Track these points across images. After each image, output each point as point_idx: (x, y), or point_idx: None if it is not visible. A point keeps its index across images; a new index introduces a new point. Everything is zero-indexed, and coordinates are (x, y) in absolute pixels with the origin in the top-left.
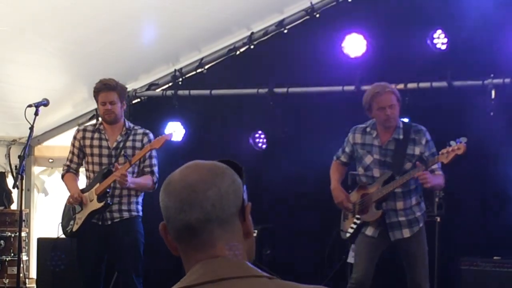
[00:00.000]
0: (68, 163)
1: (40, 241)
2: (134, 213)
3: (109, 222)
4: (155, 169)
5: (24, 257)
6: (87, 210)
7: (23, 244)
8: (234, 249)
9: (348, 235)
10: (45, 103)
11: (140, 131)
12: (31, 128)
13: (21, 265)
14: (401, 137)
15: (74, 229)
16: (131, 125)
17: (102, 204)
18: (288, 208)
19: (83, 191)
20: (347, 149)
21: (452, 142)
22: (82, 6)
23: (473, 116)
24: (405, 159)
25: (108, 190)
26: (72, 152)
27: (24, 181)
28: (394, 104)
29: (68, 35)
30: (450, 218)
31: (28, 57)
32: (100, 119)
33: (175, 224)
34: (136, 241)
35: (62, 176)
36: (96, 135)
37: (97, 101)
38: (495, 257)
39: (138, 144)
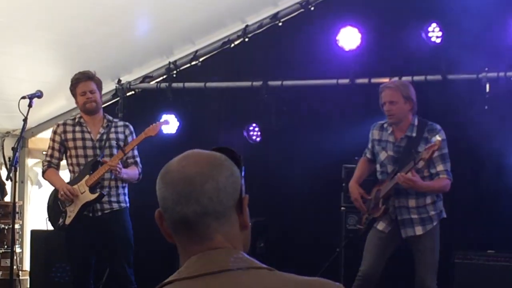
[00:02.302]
0: (48, 158)
1: (34, 233)
2: (123, 205)
3: (100, 214)
4: (138, 159)
5: (18, 249)
6: (80, 202)
7: (17, 236)
8: (232, 241)
9: (361, 228)
10: (39, 95)
11: (120, 123)
12: (25, 120)
13: (15, 257)
14: (414, 134)
15: (67, 222)
16: (111, 117)
17: (96, 195)
18: (282, 201)
19: (70, 184)
20: (369, 145)
21: (433, 139)
22: None
23: (467, 109)
24: (413, 156)
25: (99, 181)
26: (52, 148)
27: (17, 173)
28: (395, 100)
29: (62, 27)
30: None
31: (21, 49)
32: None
33: (172, 215)
34: (127, 231)
35: (43, 173)
36: (78, 128)
37: (75, 95)
38: (488, 251)
39: (121, 136)
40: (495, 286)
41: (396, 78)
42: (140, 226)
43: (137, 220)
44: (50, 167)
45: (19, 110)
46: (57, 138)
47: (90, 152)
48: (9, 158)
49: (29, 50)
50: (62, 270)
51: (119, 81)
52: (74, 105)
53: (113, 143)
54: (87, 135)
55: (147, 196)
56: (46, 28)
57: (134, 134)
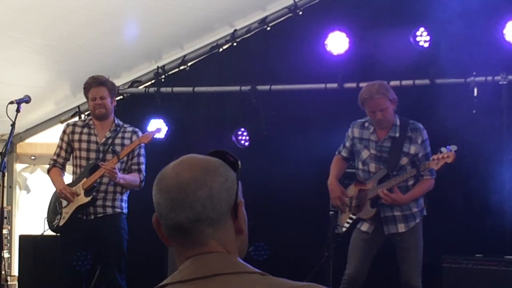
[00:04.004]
0: (55, 157)
1: (22, 238)
2: (118, 210)
3: (92, 217)
4: (143, 167)
5: (6, 255)
6: (74, 205)
7: (5, 241)
8: (226, 246)
9: (344, 229)
10: (27, 99)
11: (130, 129)
12: (13, 125)
13: (3, 263)
14: (397, 135)
15: (60, 224)
16: (121, 122)
17: (89, 198)
18: (270, 206)
19: (69, 185)
20: (347, 144)
21: (443, 149)
22: (64, 2)
23: (455, 114)
24: (401, 156)
25: (95, 185)
26: (60, 147)
27: (6, 178)
28: (386, 107)
29: (49, 32)
30: (433, 216)
31: (9, 53)
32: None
33: (166, 222)
34: (120, 237)
35: (48, 170)
36: (86, 130)
37: (87, 98)
38: (477, 255)
39: (127, 142)
40: None
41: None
42: (137, 231)
43: (137, 225)
44: (54, 166)
45: (7, 115)
46: (65, 138)
47: (93, 155)
48: None
49: (17, 55)
50: (50, 274)
51: None
52: (63, 110)
53: (117, 148)
54: (93, 138)
55: (136, 201)
56: (34, 33)
57: None
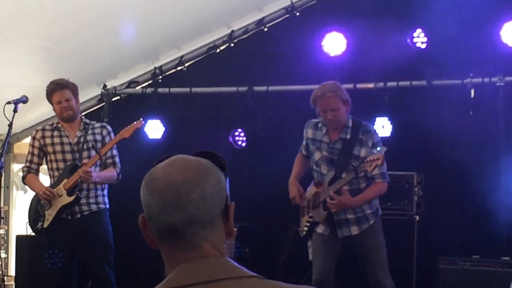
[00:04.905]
0: (28, 164)
1: (19, 238)
2: (102, 206)
3: (79, 216)
4: (117, 159)
5: (3, 255)
6: (57, 206)
7: (2, 241)
8: (219, 248)
9: (304, 233)
10: (24, 100)
11: (97, 124)
12: (10, 125)
13: (0, 263)
14: (348, 136)
15: (45, 226)
16: (87, 120)
17: (72, 198)
18: (267, 206)
19: (51, 187)
20: (304, 143)
21: (375, 151)
22: (61, 2)
23: (452, 115)
24: (350, 159)
25: (77, 184)
26: (32, 153)
27: (3, 179)
28: (338, 107)
29: (46, 32)
30: (429, 217)
31: (6, 54)
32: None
33: (157, 223)
34: (107, 233)
35: (23, 178)
36: (56, 133)
37: (51, 103)
38: (473, 256)
39: (98, 137)
40: None
41: (380, 84)
42: (123, 229)
43: (121, 223)
44: (29, 172)
45: (4, 115)
46: (36, 143)
47: (68, 156)
48: None
49: (14, 55)
50: (46, 274)
51: (105, 86)
52: None
53: (90, 145)
54: (65, 139)
55: (130, 201)
56: (31, 33)
57: (112, 134)
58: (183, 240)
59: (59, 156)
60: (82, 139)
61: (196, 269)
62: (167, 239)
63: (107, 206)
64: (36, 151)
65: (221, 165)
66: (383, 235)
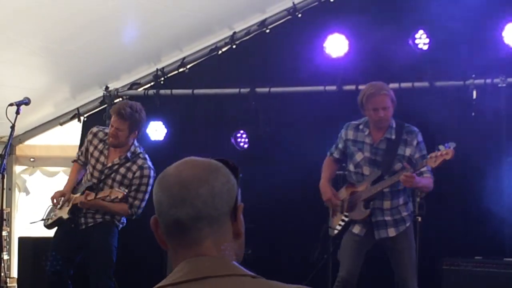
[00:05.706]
0: (79, 153)
1: (21, 240)
2: (107, 217)
3: (84, 227)
4: (137, 203)
5: (5, 256)
6: (59, 214)
7: (4, 243)
8: (223, 248)
9: (336, 232)
10: (26, 101)
11: (139, 162)
12: (12, 127)
13: (2, 264)
14: (393, 137)
15: (48, 223)
16: (136, 150)
17: (67, 216)
18: (270, 208)
19: (74, 189)
20: (340, 145)
21: (441, 147)
22: (63, 4)
23: (454, 116)
24: (395, 159)
25: (77, 207)
26: (83, 147)
27: (5, 180)
28: (388, 106)
29: (49, 34)
30: (432, 218)
31: (8, 55)
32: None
33: (165, 218)
34: (109, 245)
35: (73, 161)
36: (101, 146)
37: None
38: (476, 257)
39: (129, 175)
40: None
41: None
42: (127, 229)
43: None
44: (75, 161)
45: (7, 117)
46: (86, 142)
47: (96, 174)
48: None
49: (16, 57)
50: None
51: (107, 88)
52: (62, 112)
53: (118, 178)
54: (102, 158)
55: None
56: (33, 35)
57: (143, 179)
58: (188, 235)
59: (90, 168)
60: (115, 167)
61: (190, 267)
62: (174, 234)
63: (116, 222)
64: (83, 149)
65: (233, 170)
66: (414, 239)
